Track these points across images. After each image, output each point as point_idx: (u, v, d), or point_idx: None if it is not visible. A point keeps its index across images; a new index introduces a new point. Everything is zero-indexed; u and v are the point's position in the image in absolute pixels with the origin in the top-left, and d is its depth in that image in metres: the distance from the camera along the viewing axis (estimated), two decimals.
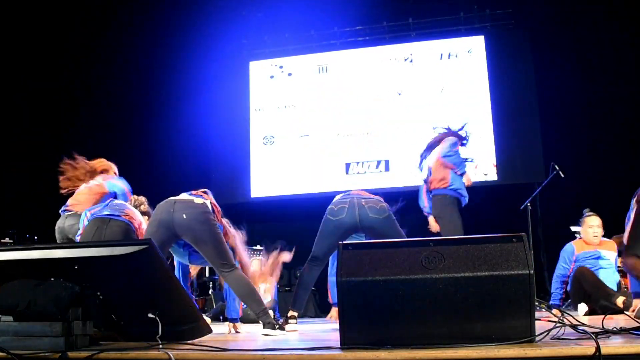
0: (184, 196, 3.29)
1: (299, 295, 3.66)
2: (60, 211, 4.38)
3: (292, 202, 8.18)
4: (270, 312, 3.21)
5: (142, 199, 4.25)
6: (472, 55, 8.21)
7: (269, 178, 8.49)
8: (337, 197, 3.68)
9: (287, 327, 3.49)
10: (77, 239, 3.76)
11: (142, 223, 3.82)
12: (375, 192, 3.80)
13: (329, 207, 3.63)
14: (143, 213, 4.08)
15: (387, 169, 8.09)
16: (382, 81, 8.40)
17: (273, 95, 8.79)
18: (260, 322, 3.13)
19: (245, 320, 4.41)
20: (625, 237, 3.57)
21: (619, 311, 4.07)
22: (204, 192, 3.38)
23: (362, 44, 8.60)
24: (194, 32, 8.40)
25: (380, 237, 3.48)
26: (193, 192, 3.36)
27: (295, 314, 3.61)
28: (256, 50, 8.90)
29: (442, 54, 8.32)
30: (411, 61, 8.40)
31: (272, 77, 8.88)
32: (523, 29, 8.07)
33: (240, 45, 8.90)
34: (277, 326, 3.09)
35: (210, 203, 3.29)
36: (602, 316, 3.36)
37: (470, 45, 8.24)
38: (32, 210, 6.50)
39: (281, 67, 8.86)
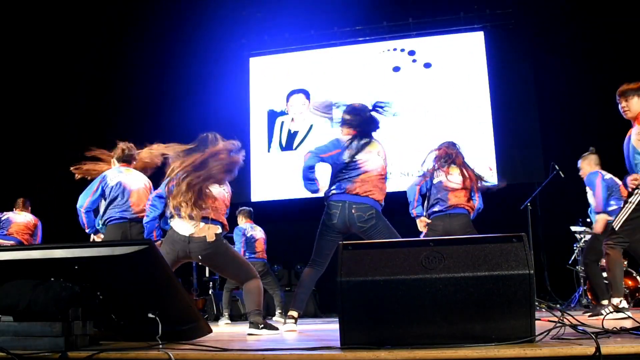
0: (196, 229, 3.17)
1: (299, 296, 3.69)
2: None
3: (292, 204, 8.16)
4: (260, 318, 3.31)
5: (123, 145, 4.21)
6: (474, 54, 8.20)
7: (268, 181, 8.47)
8: (332, 193, 3.63)
9: (286, 327, 3.51)
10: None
11: (141, 188, 3.98)
12: None
13: (325, 210, 3.66)
14: (126, 159, 4.12)
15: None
16: (382, 79, 8.37)
17: (270, 95, 8.76)
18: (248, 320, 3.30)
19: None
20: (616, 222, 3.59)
21: None
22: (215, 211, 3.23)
23: (362, 43, 8.59)
24: (194, 33, 8.39)
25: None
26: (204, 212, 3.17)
27: (295, 314, 3.62)
28: (256, 50, 8.89)
29: (444, 52, 8.31)
30: (414, 60, 8.38)
31: (270, 76, 8.86)
32: (523, 28, 8.06)
33: (241, 46, 8.89)
34: (261, 326, 3.22)
35: (222, 224, 3.28)
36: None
37: (471, 44, 8.23)
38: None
39: (279, 65, 8.85)
